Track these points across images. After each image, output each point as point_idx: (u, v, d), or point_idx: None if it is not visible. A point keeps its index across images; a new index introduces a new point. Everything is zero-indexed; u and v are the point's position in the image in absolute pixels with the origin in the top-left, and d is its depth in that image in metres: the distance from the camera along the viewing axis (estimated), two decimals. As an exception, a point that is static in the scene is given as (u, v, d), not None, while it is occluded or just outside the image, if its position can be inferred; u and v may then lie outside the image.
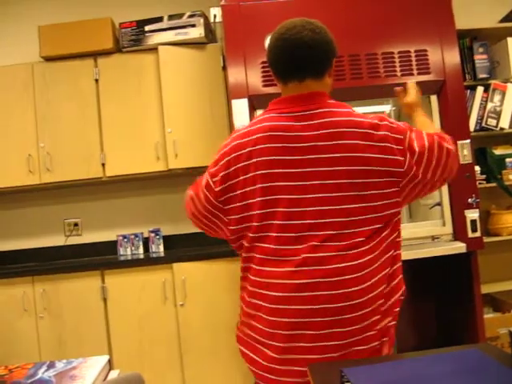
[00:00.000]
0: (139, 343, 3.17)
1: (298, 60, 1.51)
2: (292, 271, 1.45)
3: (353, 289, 1.42)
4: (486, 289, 3.36)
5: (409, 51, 3.00)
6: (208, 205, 1.62)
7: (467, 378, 1.03)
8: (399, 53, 2.96)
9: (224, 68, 3.47)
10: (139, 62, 3.52)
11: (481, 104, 3.42)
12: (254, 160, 1.50)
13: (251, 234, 1.55)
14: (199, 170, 3.51)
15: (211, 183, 1.59)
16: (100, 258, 3.56)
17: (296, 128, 1.48)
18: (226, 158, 1.56)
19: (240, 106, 2.95)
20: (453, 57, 3.04)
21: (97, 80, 3.52)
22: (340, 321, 1.42)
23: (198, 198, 1.66)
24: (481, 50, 3.47)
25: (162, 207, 3.86)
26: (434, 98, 3.11)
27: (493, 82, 3.46)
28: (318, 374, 1.21)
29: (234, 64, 2.96)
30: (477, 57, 3.46)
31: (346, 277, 1.42)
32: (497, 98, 3.43)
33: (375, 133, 1.45)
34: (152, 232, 3.71)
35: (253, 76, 2.95)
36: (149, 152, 3.48)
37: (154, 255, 3.40)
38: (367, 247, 1.44)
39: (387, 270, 1.49)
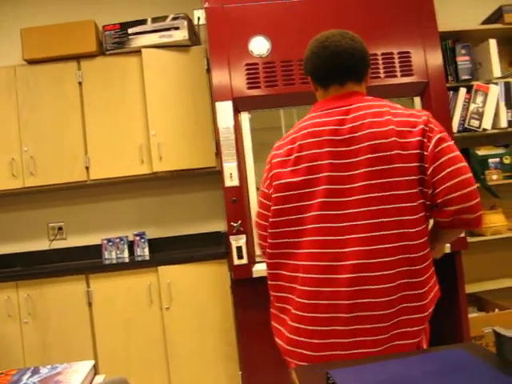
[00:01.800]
0: (125, 347, 3.15)
1: (339, 66, 1.60)
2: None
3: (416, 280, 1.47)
4: (470, 288, 3.39)
5: (392, 53, 3.02)
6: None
7: (453, 378, 1.03)
8: (382, 54, 2.98)
9: (208, 70, 3.47)
10: (123, 64, 3.51)
11: (463, 105, 3.45)
12: (301, 154, 1.57)
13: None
14: (184, 173, 3.56)
15: (266, 191, 1.71)
16: (85, 262, 3.54)
17: (331, 122, 1.55)
18: (276, 152, 1.69)
19: (224, 109, 2.94)
20: (435, 58, 3.07)
21: (80, 83, 3.50)
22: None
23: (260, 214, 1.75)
24: (463, 51, 3.50)
25: (146, 210, 3.85)
26: (417, 100, 3.13)
27: (475, 83, 3.49)
28: (305, 376, 1.21)
29: (218, 66, 2.96)
30: (459, 58, 3.49)
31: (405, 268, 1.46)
32: (479, 99, 3.46)
33: (412, 130, 1.49)
34: (137, 235, 3.69)
35: (237, 78, 2.96)
36: (133, 155, 3.47)
37: (140, 258, 3.38)
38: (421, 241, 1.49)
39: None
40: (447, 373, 1.06)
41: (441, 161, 1.45)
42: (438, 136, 1.48)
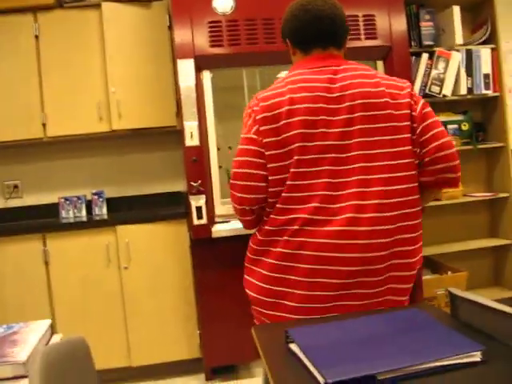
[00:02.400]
0: (82, 307, 3.13)
1: (321, 32, 1.60)
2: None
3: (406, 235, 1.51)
4: (424, 251, 3.47)
5: (357, 15, 3.00)
6: (254, 157, 1.54)
7: (409, 336, 1.05)
8: (347, 17, 2.96)
9: (170, 27, 3.39)
10: (82, 18, 3.38)
11: (425, 71, 3.47)
12: (293, 107, 1.51)
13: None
14: (143, 132, 3.50)
15: (254, 137, 1.55)
16: (41, 221, 3.46)
17: (323, 80, 1.54)
18: (262, 115, 1.54)
19: (186, 67, 2.89)
20: (399, 23, 3.07)
21: (37, 36, 3.36)
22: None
23: (240, 163, 1.57)
24: (427, 17, 3.50)
25: (105, 169, 3.78)
26: (380, 64, 3.14)
27: (437, 49, 3.50)
28: (264, 335, 1.22)
29: (180, 23, 2.89)
30: (423, 24, 3.50)
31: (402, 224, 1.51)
32: (441, 65, 3.49)
33: (400, 92, 1.57)
34: (95, 194, 3.63)
35: (199, 36, 2.90)
36: (91, 112, 3.38)
37: (98, 218, 3.33)
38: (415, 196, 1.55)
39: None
40: (403, 332, 1.08)
41: (428, 122, 1.55)
42: (422, 101, 1.59)
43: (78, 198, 3.61)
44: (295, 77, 1.57)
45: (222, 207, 3.04)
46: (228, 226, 2.92)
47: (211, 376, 3.10)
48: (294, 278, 1.49)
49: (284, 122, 1.50)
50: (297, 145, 1.48)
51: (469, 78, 3.58)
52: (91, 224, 3.16)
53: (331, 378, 0.87)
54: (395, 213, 1.49)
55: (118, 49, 3.36)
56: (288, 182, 1.49)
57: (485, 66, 3.62)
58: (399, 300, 1.54)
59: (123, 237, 3.13)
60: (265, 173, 1.52)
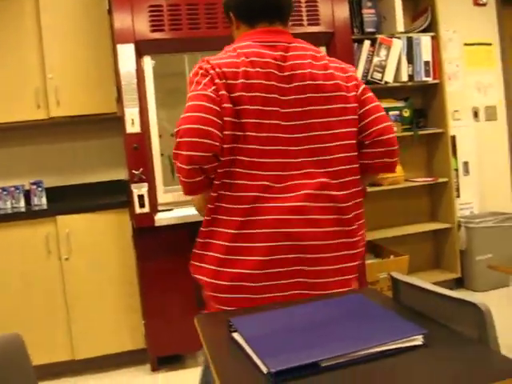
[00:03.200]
0: (22, 301, 3.03)
1: (268, 5, 1.58)
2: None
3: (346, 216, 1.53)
4: (367, 236, 3.53)
5: (299, 1, 2.99)
6: (209, 115, 1.42)
7: (352, 322, 1.06)
8: (289, 2, 2.94)
9: (110, 11, 3.29)
10: (17, 1, 3.24)
11: (367, 57, 3.51)
12: (248, 81, 1.47)
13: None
14: (83, 119, 3.40)
15: (211, 95, 1.44)
16: (-24, 212, 3.33)
17: (275, 56, 1.52)
18: (221, 81, 1.46)
19: (126, 52, 2.82)
20: (342, 10, 3.08)
21: (-31, 19, 3.21)
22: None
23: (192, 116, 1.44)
24: (369, 4, 3.53)
25: (43, 158, 3.65)
26: (322, 50, 3.14)
27: (379, 36, 3.55)
28: (206, 324, 1.21)
29: (120, 7, 2.82)
30: (365, 11, 3.53)
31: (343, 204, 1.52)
32: (383, 52, 3.53)
33: (345, 75, 1.58)
34: (33, 184, 3.51)
35: (140, 21, 2.83)
36: (28, 99, 3.25)
37: (37, 208, 3.23)
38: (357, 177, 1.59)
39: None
40: (347, 318, 1.09)
41: (370, 105, 1.58)
42: (364, 86, 1.62)
43: (16, 187, 3.48)
44: (247, 49, 1.52)
45: (165, 195, 3.00)
46: (171, 215, 2.88)
47: (157, 366, 3.07)
48: (249, 258, 1.46)
49: (239, 93, 1.46)
50: (251, 120, 1.46)
51: (410, 65, 3.64)
52: (30, 214, 3.05)
53: (274, 367, 0.87)
54: (342, 192, 1.51)
55: (55, 33, 3.24)
56: (239, 157, 1.46)
57: (425, 53, 3.69)
58: (348, 278, 1.55)
59: (63, 227, 3.04)
60: (219, 132, 1.42)
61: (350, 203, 1.53)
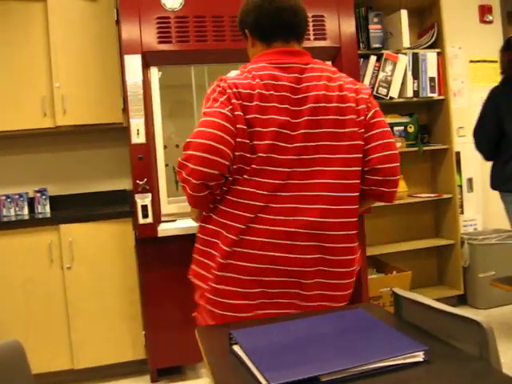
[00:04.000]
0: (24, 308, 3.03)
1: (285, 23, 1.58)
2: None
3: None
4: (370, 251, 3.52)
5: (306, 16, 3.00)
6: (223, 132, 1.44)
7: (353, 337, 1.06)
8: (296, 16, 2.96)
9: (118, 22, 3.31)
10: (26, 10, 3.27)
11: (373, 73, 3.52)
12: (262, 104, 1.48)
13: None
14: (89, 128, 3.41)
15: (228, 114, 1.46)
16: (-20, 219, 3.34)
17: (289, 79, 1.52)
18: (238, 101, 1.48)
19: (133, 63, 2.84)
20: (349, 25, 3.09)
21: (-23, 27, 3.24)
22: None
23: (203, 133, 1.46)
24: (375, 19, 3.55)
25: (48, 166, 3.67)
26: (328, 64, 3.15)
27: (385, 52, 3.56)
28: (207, 336, 1.21)
29: (128, 18, 2.84)
30: (371, 26, 3.55)
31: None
32: (388, 67, 3.54)
33: (358, 97, 1.56)
34: (38, 192, 3.52)
35: (147, 32, 2.85)
36: (35, 107, 3.27)
37: (40, 216, 3.23)
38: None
39: None
40: (348, 331, 1.08)
41: (376, 131, 1.55)
42: (377, 108, 1.59)
43: (20, 195, 3.49)
44: (262, 71, 1.53)
45: (169, 206, 3.00)
46: (174, 225, 2.88)
47: (157, 377, 3.05)
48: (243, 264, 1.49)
49: (253, 115, 1.47)
50: (263, 142, 1.47)
51: (415, 81, 3.65)
52: (33, 222, 3.06)
53: (274, 381, 0.87)
54: (339, 220, 1.51)
55: (63, 43, 3.27)
56: (246, 177, 1.47)
57: (431, 69, 3.70)
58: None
59: (66, 236, 3.04)
60: (230, 152, 1.44)
61: (341, 232, 1.52)
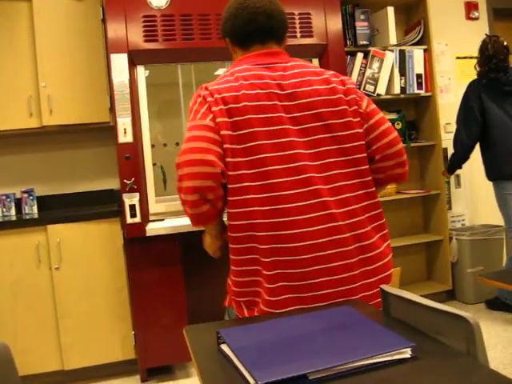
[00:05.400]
0: (12, 310, 3.01)
1: (258, 28, 1.59)
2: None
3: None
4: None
5: (293, 13, 3.01)
6: (210, 143, 1.42)
7: (341, 334, 1.06)
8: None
9: (104, 20, 3.29)
10: (11, 9, 3.24)
11: (360, 70, 3.53)
12: (249, 104, 1.48)
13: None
14: (75, 128, 3.39)
15: (210, 124, 1.45)
16: (-33, 220, 3.31)
17: (274, 77, 1.53)
18: (218, 107, 1.46)
19: (119, 61, 2.82)
20: (335, 22, 3.10)
21: (-38, 27, 3.21)
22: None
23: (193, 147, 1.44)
24: (362, 17, 3.56)
25: (35, 166, 3.64)
26: (315, 62, 3.16)
27: (372, 49, 3.57)
28: (195, 335, 1.20)
29: (114, 17, 2.83)
30: (358, 23, 3.55)
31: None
32: (375, 64, 3.55)
33: (346, 88, 1.57)
34: (25, 192, 3.49)
35: (134, 31, 2.84)
36: (21, 107, 3.25)
37: (28, 217, 3.21)
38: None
39: None
40: (336, 330, 1.08)
41: (375, 119, 1.57)
42: (367, 98, 1.62)
43: (7, 196, 3.46)
44: (245, 72, 1.53)
45: (157, 205, 2.99)
46: (162, 225, 2.87)
47: (147, 377, 3.05)
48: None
49: (241, 118, 1.46)
50: (256, 143, 1.45)
51: (402, 78, 3.66)
52: (20, 223, 3.04)
53: (262, 380, 0.86)
54: (341, 210, 1.50)
55: (49, 42, 3.24)
56: (246, 184, 1.45)
57: (417, 66, 3.71)
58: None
59: (54, 236, 3.02)
60: (219, 160, 1.41)
61: (352, 220, 1.51)
